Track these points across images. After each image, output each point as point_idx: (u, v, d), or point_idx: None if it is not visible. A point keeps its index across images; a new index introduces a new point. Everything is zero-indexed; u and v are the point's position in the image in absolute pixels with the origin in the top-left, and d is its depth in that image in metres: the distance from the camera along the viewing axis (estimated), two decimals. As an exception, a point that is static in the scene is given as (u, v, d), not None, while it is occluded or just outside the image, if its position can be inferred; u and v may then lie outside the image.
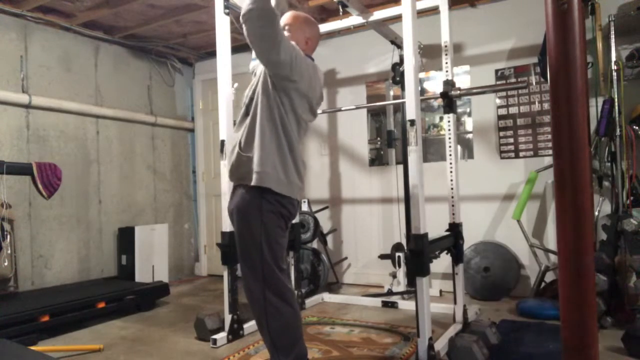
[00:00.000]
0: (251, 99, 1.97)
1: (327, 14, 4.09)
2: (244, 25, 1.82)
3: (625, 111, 3.12)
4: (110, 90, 4.44)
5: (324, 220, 4.45)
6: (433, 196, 3.65)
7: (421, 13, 3.04)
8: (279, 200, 1.90)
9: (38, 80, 3.86)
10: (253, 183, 1.86)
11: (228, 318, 2.82)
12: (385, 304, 3.50)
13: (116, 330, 3.14)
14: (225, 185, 2.88)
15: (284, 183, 1.91)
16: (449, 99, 2.93)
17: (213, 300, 3.94)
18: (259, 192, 1.88)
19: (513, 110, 3.76)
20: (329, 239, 4.43)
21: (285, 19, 2.10)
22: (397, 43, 3.68)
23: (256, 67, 2.10)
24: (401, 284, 3.73)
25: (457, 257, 2.88)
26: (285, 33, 2.03)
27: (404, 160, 3.60)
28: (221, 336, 2.76)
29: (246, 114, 1.98)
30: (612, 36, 3.06)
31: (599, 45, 3.20)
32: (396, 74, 3.65)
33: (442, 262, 3.25)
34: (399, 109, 4.04)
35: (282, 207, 1.92)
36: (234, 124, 2.16)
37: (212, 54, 4.52)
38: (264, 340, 1.97)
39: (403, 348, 2.59)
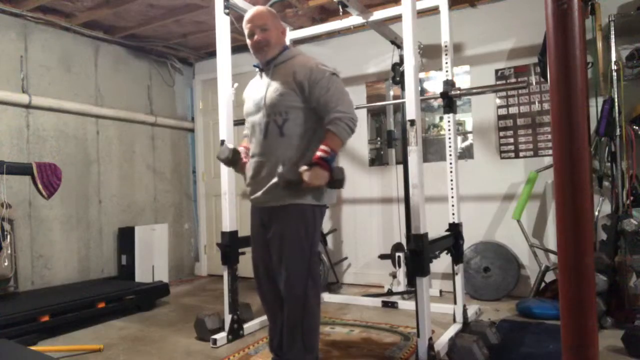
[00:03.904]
0: (285, 120, 2.00)
1: (327, 14, 4.09)
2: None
3: (625, 111, 3.12)
4: (110, 90, 4.44)
5: (324, 220, 4.44)
6: (433, 196, 3.65)
7: (421, 13, 3.04)
8: (325, 208, 2.16)
9: (38, 80, 3.86)
10: (309, 202, 2.02)
11: (228, 318, 2.82)
12: (385, 304, 3.50)
13: (116, 330, 3.14)
14: (225, 185, 2.88)
15: (331, 195, 2.13)
16: (449, 99, 2.93)
17: (213, 300, 3.94)
18: (317, 207, 2.07)
19: (513, 110, 3.76)
20: (329, 239, 4.42)
21: (259, 18, 2.10)
22: (397, 43, 3.68)
23: (282, 88, 2.05)
24: (401, 284, 3.72)
25: (457, 257, 2.88)
26: (264, 32, 2.07)
27: (404, 160, 3.60)
28: (221, 336, 2.76)
29: (281, 134, 2.01)
30: (612, 36, 3.06)
31: (599, 45, 3.20)
32: (396, 74, 3.65)
33: (442, 262, 3.25)
34: (399, 109, 4.04)
35: (324, 214, 2.17)
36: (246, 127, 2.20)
37: (212, 54, 4.53)
38: (291, 340, 2.01)
39: (403, 348, 2.59)
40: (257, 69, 2.19)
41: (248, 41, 2.13)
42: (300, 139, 2.01)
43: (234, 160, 2.20)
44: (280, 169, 1.99)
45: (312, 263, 2.04)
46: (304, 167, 1.90)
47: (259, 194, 2.08)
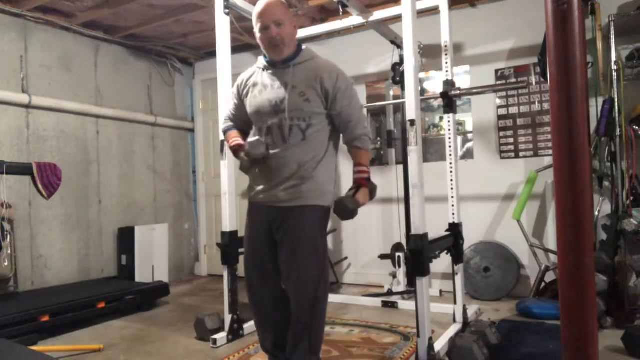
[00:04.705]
0: (309, 125, 1.99)
1: (327, 14, 4.09)
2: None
3: (625, 111, 3.12)
4: (110, 90, 4.44)
5: (324, 220, 4.44)
6: (433, 196, 3.65)
7: (421, 13, 3.04)
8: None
9: (38, 80, 3.86)
10: (324, 203, 2.03)
11: (228, 318, 2.82)
12: (385, 304, 3.50)
13: (116, 330, 3.14)
14: (225, 185, 2.88)
15: (334, 197, 2.12)
16: (449, 99, 2.93)
17: (213, 300, 3.94)
18: (327, 209, 2.05)
19: (513, 110, 3.76)
20: (329, 239, 4.42)
21: (273, 11, 1.97)
22: (397, 43, 3.68)
23: (307, 93, 2.00)
24: (401, 284, 3.73)
25: (457, 257, 2.88)
26: (280, 27, 1.97)
27: (404, 160, 3.60)
28: (221, 336, 2.76)
29: (304, 138, 1.99)
30: (612, 36, 3.06)
31: (599, 45, 3.20)
32: (396, 74, 3.65)
33: (442, 262, 3.25)
34: (399, 109, 4.04)
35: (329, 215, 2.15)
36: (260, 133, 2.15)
37: (212, 54, 4.52)
38: (297, 341, 1.99)
39: (403, 348, 2.59)
40: (265, 63, 2.07)
41: (259, 35, 2.01)
42: (321, 144, 2.02)
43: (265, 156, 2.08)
44: (308, 178, 2.00)
45: (324, 265, 2.03)
46: (352, 191, 1.97)
47: (272, 192, 2.02)
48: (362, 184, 1.98)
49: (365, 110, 4.34)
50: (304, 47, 2.09)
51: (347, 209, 1.91)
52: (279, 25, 1.97)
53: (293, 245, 1.99)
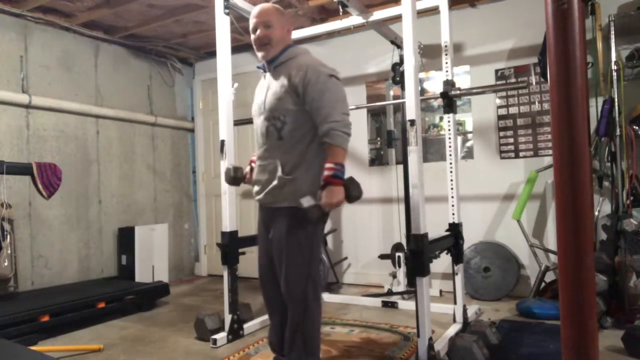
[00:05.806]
0: (284, 123, 1.97)
1: (327, 14, 4.09)
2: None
3: (625, 111, 3.12)
4: (110, 90, 4.44)
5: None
6: (433, 196, 3.65)
7: (421, 13, 3.04)
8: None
9: (38, 80, 3.86)
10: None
11: (228, 318, 2.82)
12: (385, 304, 3.50)
13: (116, 330, 3.14)
14: (226, 185, 2.88)
15: None
16: (449, 99, 2.93)
17: (213, 300, 3.94)
18: None
19: (513, 110, 3.76)
20: (329, 239, 4.42)
21: (264, 14, 2.05)
22: (397, 43, 3.68)
23: (280, 92, 2.01)
24: (401, 284, 3.72)
25: (457, 257, 2.88)
26: (267, 29, 2.02)
27: (404, 160, 3.60)
28: (221, 336, 2.76)
29: (279, 137, 1.99)
30: (612, 36, 3.06)
31: (599, 45, 3.20)
32: (396, 74, 3.65)
33: (442, 262, 3.25)
34: (399, 109, 4.04)
35: (326, 216, 2.06)
36: (261, 132, 2.17)
37: (212, 54, 4.52)
38: (291, 342, 2.00)
39: (403, 348, 2.59)
40: (261, 71, 2.15)
41: (251, 36, 2.10)
42: (298, 142, 1.98)
43: (237, 179, 2.23)
44: (289, 184, 1.97)
45: (312, 266, 2.01)
46: (319, 192, 1.88)
47: (261, 195, 2.08)
48: (328, 181, 1.86)
49: (365, 110, 4.35)
50: (292, 46, 2.10)
51: (306, 214, 1.86)
52: (267, 27, 2.03)
53: (279, 246, 2.02)
